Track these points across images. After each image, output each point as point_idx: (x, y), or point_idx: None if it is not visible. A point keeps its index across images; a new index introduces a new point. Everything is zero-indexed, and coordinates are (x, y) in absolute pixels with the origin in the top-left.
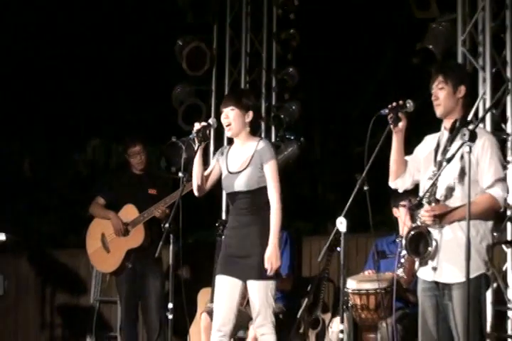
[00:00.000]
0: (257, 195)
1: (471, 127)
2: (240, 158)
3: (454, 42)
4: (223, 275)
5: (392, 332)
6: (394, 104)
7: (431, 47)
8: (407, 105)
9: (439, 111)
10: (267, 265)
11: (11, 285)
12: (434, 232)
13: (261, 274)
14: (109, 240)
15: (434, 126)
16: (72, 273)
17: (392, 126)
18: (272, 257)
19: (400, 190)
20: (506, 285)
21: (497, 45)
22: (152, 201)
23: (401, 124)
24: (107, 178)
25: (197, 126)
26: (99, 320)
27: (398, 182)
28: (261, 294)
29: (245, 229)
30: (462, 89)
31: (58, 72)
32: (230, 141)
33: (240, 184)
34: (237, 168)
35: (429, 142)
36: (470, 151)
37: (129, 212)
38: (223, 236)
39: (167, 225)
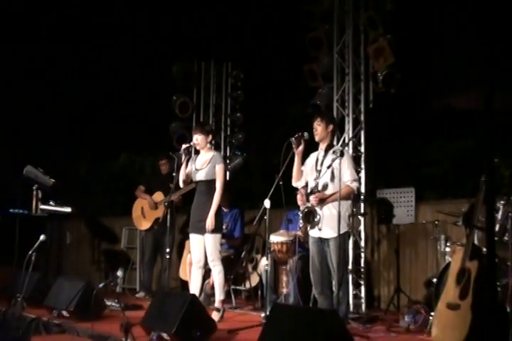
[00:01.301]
0: (211, 184)
1: (340, 148)
2: (203, 161)
3: (331, 100)
4: (192, 233)
5: (295, 265)
6: (297, 134)
7: (318, 103)
8: (305, 135)
9: (317, 138)
10: (207, 224)
11: (74, 238)
12: (318, 209)
13: (211, 230)
14: (145, 211)
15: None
16: (110, 231)
17: (295, 149)
18: (209, 220)
19: (299, 187)
20: (360, 238)
21: (356, 102)
22: (170, 191)
23: (300, 148)
24: (147, 176)
25: (184, 146)
26: (126, 258)
27: (298, 184)
28: (212, 242)
29: (203, 204)
30: (331, 127)
31: (101, 107)
32: (198, 152)
33: (201, 176)
34: (200, 166)
35: (312, 157)
36: (340, 162)
37: (158, 196)
38: (192, 208)
39: (166, 204)
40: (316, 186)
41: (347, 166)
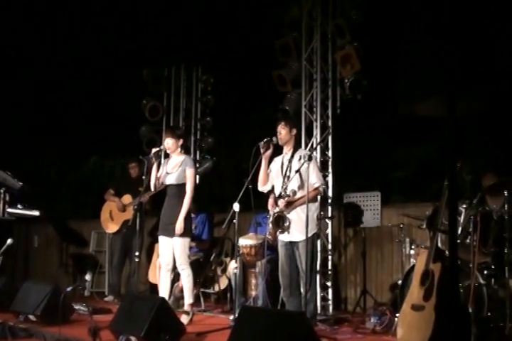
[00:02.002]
0: (181, 187)
1: (308, 152)
2: (173, 164)
3: (299, 105)
4: (161, 236)
5: (264, 268)
6: (266, 138)
7: (287, 107)
8: (273, 139)
9: (280, 142)
10: (176, 228)
11: (41, 241)
12: (288, 214)
13: (180, 234)
14: (113, 214)
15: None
16: (79, 234)
17: (263, 154)
18: (179, 224)
19: (265, 192)
20: (327, 242)
21: (324, 108)
22: (139, 194)
23: (268, 152)
24: (116, 179)
25: (154, 150)
26: (94, 262)
27: (264, 188)
28: (180, 245)
29: (173, 207)
30: (294, 131)
31: (75, 115)
32: (168, 156)
33: (171, 179)
34: (171, 170)
35: (277, 161)
36: (308, 166)
37: (127, 198)
38: (162, 211)
39: (135, 207)
40: (285, 191)
41: (312, 169)
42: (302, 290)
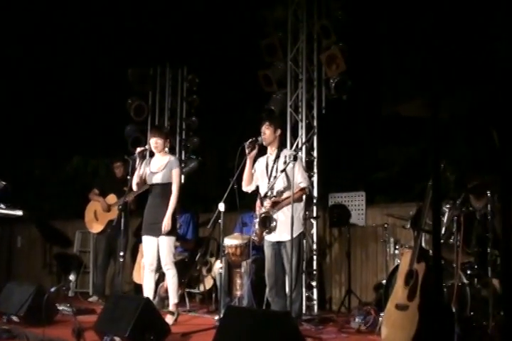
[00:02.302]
0: (166, 187)
1: (293, 152)
2: (159, 164)
3: (285, 105)
4: (145, 235)
5: (249, 268)
6: (251, 138)
7: (272, 107)
8: (258, 139)
9: (264, 142)
10: (163, 225)
11: (25, 242)
12: (274, 215)
13: (167, 232)
14: (98, 214)
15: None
16: (63, 234)
17: (248, 154)
18: (166, 222)
19: (249, 192)
20: (313, 241)
21: (309, 108)
22: (124, 194)
23: (253, 152)
24: (101, 179)
25: (138, 149)
26: (78, 262)
27: (248, 188)
28: (166, 244)
29: (157, 207)
30: (279, 131)
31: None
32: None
33: (157, 179)
34: (156, 169)
35: (261, 161)
36: (293, 166)
37: (112, 198)
38: (145, 210)
39: (120, 207)
40: (271, 191)
41: (298, 169)
42: (287, 290)
